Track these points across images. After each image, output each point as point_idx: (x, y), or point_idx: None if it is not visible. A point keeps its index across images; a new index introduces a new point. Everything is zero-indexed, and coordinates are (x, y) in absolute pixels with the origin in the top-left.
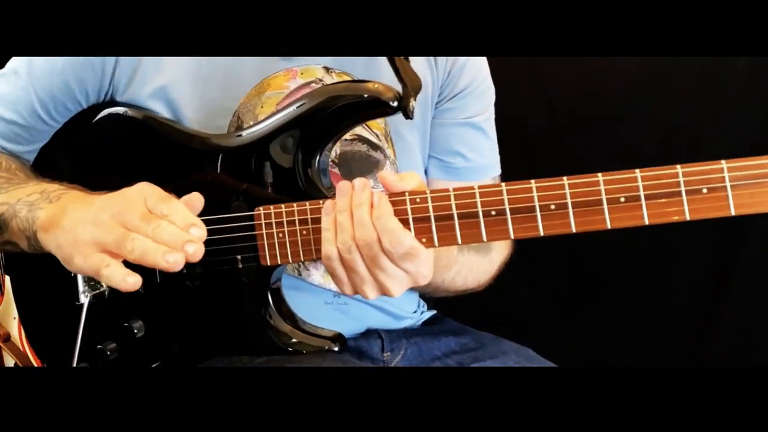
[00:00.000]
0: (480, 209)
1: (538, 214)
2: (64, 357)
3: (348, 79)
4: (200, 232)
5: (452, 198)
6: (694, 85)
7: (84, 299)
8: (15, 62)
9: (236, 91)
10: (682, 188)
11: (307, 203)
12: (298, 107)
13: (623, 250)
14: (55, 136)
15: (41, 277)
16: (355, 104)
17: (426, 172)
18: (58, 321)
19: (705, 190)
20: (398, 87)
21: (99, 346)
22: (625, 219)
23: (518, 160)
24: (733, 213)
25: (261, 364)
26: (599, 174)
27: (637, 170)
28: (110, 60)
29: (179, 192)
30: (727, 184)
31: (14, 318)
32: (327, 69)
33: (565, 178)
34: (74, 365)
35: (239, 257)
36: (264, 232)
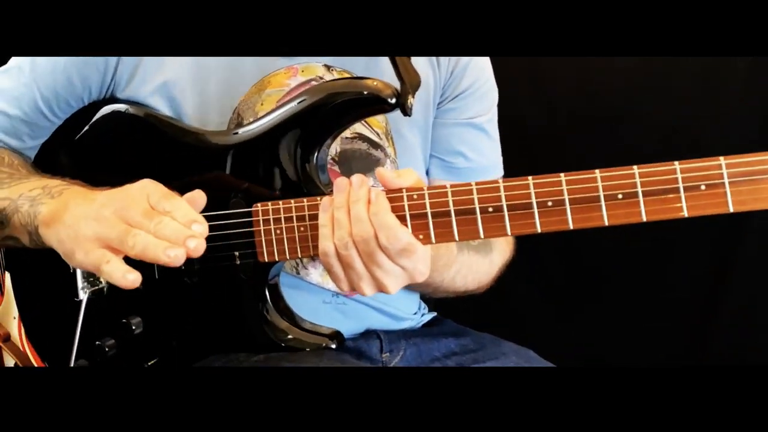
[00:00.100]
0: (477, 206)
1: (536, 210)
2: (63, 353)
3: (348, 76)
4: (202, 228)
5: (449, 195)
6: (694, 85)
7: (83, 295)
8: (18, 58)
9: (237, 89)
10: (680, 185)
11: (305, 200)
12: (298, 103)
13: (622, 246)
14: (56, 132)
15: (41, 273)
16: (355, 101)
17: (427, 172)
18: (57, 317)
19: (703, 187)
20: (397, 84)
21: (97, 343)
22: (623, 216)
23: (518, 160)
24: (731, 210)
25: (258, 361)
26: (596, 170)
27: (635, 167)
28: (112, 57)
29: (179, 189)
30: (726, 180)
31: (14, 318)
32: (328, 67)
33: (562, 174)
34: (72, 361)
35: (237, 254)
36: (261, 228)
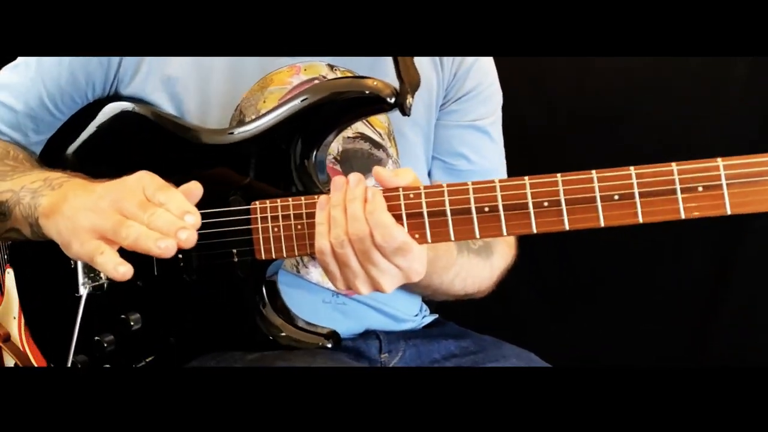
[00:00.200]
0: (473, 206)
1: (531, 211)
2: (64, 348)
3: (350, 75)
4: (194, 219)
5: (446, 194)
6: (694, 85)
7: (83, 291)
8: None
9: (239, 86)
10: (677, 186)
11: (302, 198)
12: (301, 101)
13: (621, 247)
14: (61, 129)
15: (42, 268)
16: (355, 100)
17: (429, 174)
18: (58, 312)
19: (701, 188)
20: (398, 84)
21: (96, 338)
22: (619, 217)
23: (518, 160)
24: (728, 212)
25: (254, 359)
26: (593, 171)
27: (632, 167)
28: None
29: (179, 185)
30: (723, 182)
31: (14, 318)
32: (331, 66)
33: (558, 175)
34: (71, 357)
35: (235, 251)
36: (259, 226)
